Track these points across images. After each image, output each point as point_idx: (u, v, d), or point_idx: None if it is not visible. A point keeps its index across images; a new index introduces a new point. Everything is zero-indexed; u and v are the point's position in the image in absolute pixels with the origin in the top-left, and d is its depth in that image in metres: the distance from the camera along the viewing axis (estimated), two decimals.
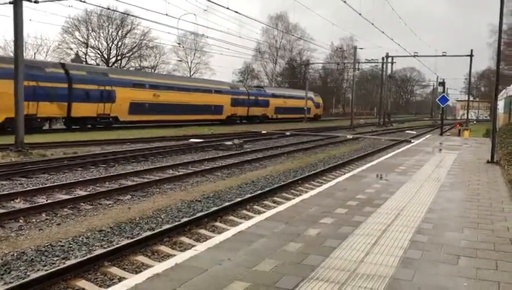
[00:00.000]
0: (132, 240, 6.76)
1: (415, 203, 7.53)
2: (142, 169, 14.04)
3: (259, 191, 10.83)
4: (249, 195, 10.41)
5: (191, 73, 73.88)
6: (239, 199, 9.89)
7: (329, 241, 5.30)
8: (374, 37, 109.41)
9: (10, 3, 17.44)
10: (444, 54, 46.05)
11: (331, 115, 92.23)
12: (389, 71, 56.40)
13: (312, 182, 12.70)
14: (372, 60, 55.07)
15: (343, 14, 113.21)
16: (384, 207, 7.20)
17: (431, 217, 6.57)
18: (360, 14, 26.49)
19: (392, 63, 54.99)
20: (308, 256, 4.74)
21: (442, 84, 33.61)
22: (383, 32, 33.71)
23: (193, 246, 6.21)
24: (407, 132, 40.20)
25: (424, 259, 4.76)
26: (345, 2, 23.12)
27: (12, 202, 9.48)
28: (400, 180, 9.92)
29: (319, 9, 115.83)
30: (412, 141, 26.28)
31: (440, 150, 18.54)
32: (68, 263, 5.90)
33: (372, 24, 29.94)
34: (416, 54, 47.64)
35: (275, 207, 8.30)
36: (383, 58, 53.58)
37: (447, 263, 4.65)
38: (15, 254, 6.28)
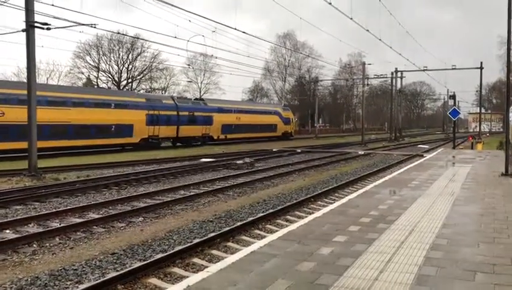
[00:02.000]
0: (144, 263, 6.74)
1: (429, 219, 7.43)
2: (154, 190, 14.09)
3: (271, 210, 10.78)
4: (261, 214, 10.37)
5: (201, 93, 74.46)
6: (251, 219, 9.84)
7: (342, 259, 5.24)
8: (382, 52, 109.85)
9: (23, 30, 17.82)
10: (454, 67, 45.90)
11: (342, 131, 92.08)
12: (398, 86, 56.29)
13: (324, 200, 12.62)
14: (381, 75, 55.11)
15: (351, 30, 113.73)
16: (398, 223, 7.12)
17: (446, 233, 6.48)
18: (367, 30, 26.63)
19: (401, 77, 54.93)
20: (321, 275, 4.69)
21: (453, 97, 33.51)
22: (390, 47, 33.84)
23: (206, 267, 6.19)
24: (419, 146, 39.92)
25: (440, 276, 4.68)
26: (351, 18, 23.28)
27: (26, 226, 9.55)
28: (413, 196, 9.82)
29: (325, 26, 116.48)
30: (425, 155, 26.07)
31: (453, 163, 18.36)
32: (81, 287, 5.89)
33: (380, 40, 30.05)
34: (425, 68, 47.58)
35: (287, 226, 8.25)
36: (392, 73, 53.56)
37: (464, 280, 4.57)
38: (29, 279, 6.30)
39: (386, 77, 55.87)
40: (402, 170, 16.22)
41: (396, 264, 5.07)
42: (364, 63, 52.52)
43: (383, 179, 13.27)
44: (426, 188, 10.93)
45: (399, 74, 53.84)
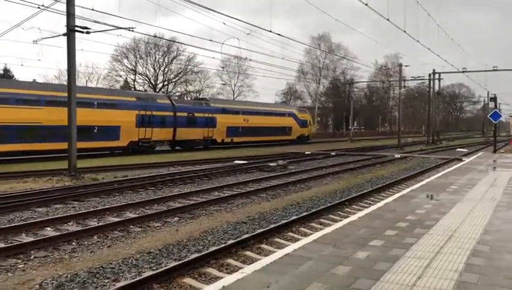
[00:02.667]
0: (180, 262, 6.81)
1: (469, 224, 7.21)
2: (188, 191, 14.25)
3: (305, 213, 10.71)
4: (295, 217, 10.31)
5: (235, 96, 74.96)
6: (284, 221, 9.80)
7: (379, 264, 5.14)
8: (419, 53, 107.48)
9: (64, 35, 18.40)
10: (495, 68, 44.52)
11: (377, 134, 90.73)
12: (436, 88, 55.00)
13: (359, 203, 12.44)
14: (419, 77, 53.98)
15: (387, 31, 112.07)
16: (436, 228, 6.93)
17: (487, 239, 6.26)
18: (404, 31, 26.12)
19: (439, 79, 53.67)
20: (357, 280, 4.61)
21: (494, 99, 32.45)
22: (428, 48, 33.08)
23: (240, 268, 6.20)
24: (458, 149, 38.83)
25: (482, 283, 4.53)
26: (388, 20, 22.89)
27: (65, 224, 9.83)
28: (452, 200, 9.55)
29: (361, 27, 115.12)
30: (463, 159, 25.34)
31: (494, 168, 17.76)
32: (118, 285, 6.01)
33: (417, 41, 29.42)
34: (464, 69, 46.34)
35: (321, 229, 8.17)
36: (429, 75, 52.44)
37: (507, 288, 4.40)
38: (68, 276, 6.47)
39: (424, 79, 54.76)
40: (440, 174, 15.82)
41: (435, 270, 4.93)
42: (401, 65, 51.54)
43: (420, 183, 12.97)
44: (465, 193, 10.62)
45: (437, 76, 52.63)
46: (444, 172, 16.34)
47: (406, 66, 52.01)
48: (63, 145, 20.87)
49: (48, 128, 25.01)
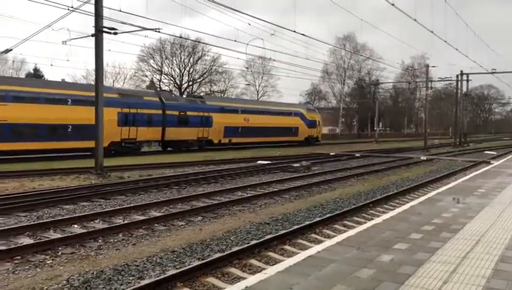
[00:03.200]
0: (203, 262, 6.86)
1: (497, 229, 7.04)
2: (212, 191, 14.34)
3: (329, 215, 10.65)
4: (318, 218, 10.26)
5: (259, 96, 75.00)
6: (308, 222, 9.77)
7: (404, 268, 5.07)
8: (447, 54, 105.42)
9: (92, 35, 18.77)
10: None
11: (403, 135, 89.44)
12: (464, 89, 53.89)
13: (384, 206, 12.29)
14: (446, 78, 52.96)
15: (414, 31, 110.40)
16: (463, 233, 6.80)
17: None
18: (431, 31, 25.69)
19: (467, 80, 52.54)
20: (381, 283, 4.56)
21: None
22: (456, 49, 32.39)
23: (263, 269, 6.20)
24: (486, 152, 37.95)
25: None
26: (415, 20, 22.54)
27: (92, 222, 10.02)
28: (480, 204, 9.34)
29: (387, 27, 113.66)
30: (492, 162, 24.74)
31: None
32: (143, 282, 6.09)
33: (445, 42, 28.88)
34: (493, 70, 45.26)
35: (345, 231, 8.12)
36: (457, 76, 51.35)
37: None
38: (94, 272, 6.59)
39: (451, 80, 53.70)
40: (467, 177, 15.49)
41: (461, 275, 4.84)
42: (427, 66, 50.68)
43: (447, 186, 12.73)
44: (494, 197, 10.37)
45: (465, 77, 51.56)
46: (471, 175, 16.00)
47: (432, 66, 51.10)
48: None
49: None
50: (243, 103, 45.13)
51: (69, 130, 26.08)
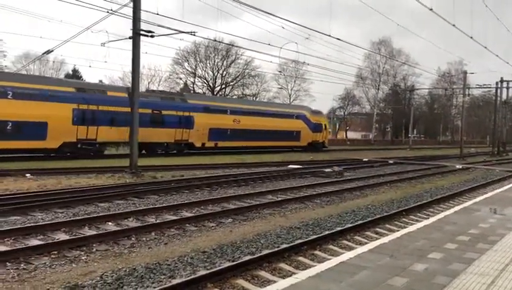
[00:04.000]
0: (233, 263, 6.89)
1: None
2: (242, 193, 14.38)
3: (360, 221, 10.51)
4: (350, 225, 10.14)
5: (291, 100, 74.86)
6: (339, 228, 9.67)
7: (438, 278, 4.95)
8: (486, 60, 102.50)
9: (130, 38, 19.18)
10: None
11: (438, 143, 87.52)
12: (504, 97, 52.26)
13: (418, 214, 12.04)
14: (484, 85, 51.48)
15: (452, 37, 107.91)
16: (501, 244, 6.59)
17: None
18: (471, 37, 25.06)
19: (507, 88, 50.92)
20: None
21: None
22: (497, 55, 31.51)
23: (293, 273, 6.18)
24: None
25: None
26: (454, 25, 22.05)
27: (126, 220, 10.21)
28: None
29: (424, 32, 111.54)
30: None
31: None
32: (174, 282, 6.16)
33: (485, 47, 28.12)
34: None
35: (377, 239, 8.00)
36: (496, 83, 49.86)
37: None
38: (127, 270, 6.71)
39: (490, 87, 52.19)
40: (505, 187, 15.02)
41: (499, 288, 4.69)
42: (465, 72, 49.45)
43: (484, 196, 12.39)
44: None
45: (504, 84, 50.00)
46: (509, 185, 15.51)
47: (470, 73, 49.85)
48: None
49: None
50: (233, 103, 41.28)
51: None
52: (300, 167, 24.32)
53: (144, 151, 28.46)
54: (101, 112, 26.16)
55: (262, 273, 6.82)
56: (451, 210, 9.82)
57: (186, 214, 11.10)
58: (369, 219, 10.85)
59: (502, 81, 49.40)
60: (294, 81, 74.34)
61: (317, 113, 46.13)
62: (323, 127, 44.76)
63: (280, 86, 73.25)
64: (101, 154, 27.55)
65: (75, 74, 61.81)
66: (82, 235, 8.57)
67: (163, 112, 30.11)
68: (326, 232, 9.26)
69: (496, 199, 11.74)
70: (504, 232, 7.41)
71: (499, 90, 50.35)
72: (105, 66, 48.48)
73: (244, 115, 36.03)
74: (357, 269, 5.18)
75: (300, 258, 7.67)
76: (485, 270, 5.29)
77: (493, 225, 8.07)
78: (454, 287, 4.69)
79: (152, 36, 19.48)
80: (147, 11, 19.47)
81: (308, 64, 42.83)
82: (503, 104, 53.08)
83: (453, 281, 4.86)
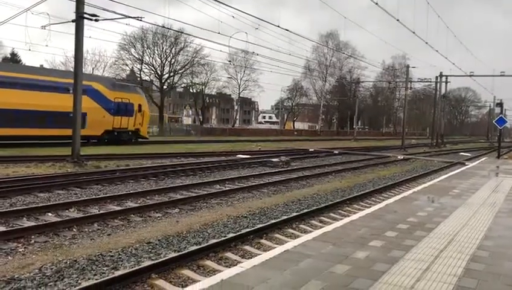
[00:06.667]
0: (179, 254, 6.83)
1: (470, 229, 7.18)
2: (190, 183, 14.27)
3: (306, 210, 10.71)
4: (295, 213, 10.31)
5: (240, 90, 74.90)
6: (285, 217, 9.81)
7: (378, 265, 5.13)
8: (427, 55, 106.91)
9: (73, 21, 18.39)
10: (502, 73, 44.27)
11: (381, 134, 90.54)
12: (443, 91, 54.73)
13: (361, 203, 12.43)
14: (425, 79, 53.77)
15: (396, 31, 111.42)
16: (437, 232, 6.92)
17: (487, 245, 6.24)
18: (413, 32, 25.98)
19: (446, 82, 53.34)
20: (356, 279, 4.61)
21: (500, 105, 32.27)
22: (437, 50, 32.87)
23: (239, 262, 6.21)
24: (462, 153, 38.71)
25: (480, 289, 4.52)
26: (398, 20, 22.77)
27: (67, 211, 9.86)
28: (454, 204, 9.52)
29: (370, 26, 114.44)
30: (467, 163, 25.26)
31: (497, 173, 17.70)
32: (117, 273, 6.03)
33: (426, 43, 29.25)
34: (472, 73, 46.07)
35: (322, 227, 8.17)
36: (436, 78, 52.14)
37: None
38: (68, 262, 6.49)
39: (430, 81, 54.54)
40: (443, 177, 15.77)
41: (434, 273, 4.92)
42: (408, 66, 51.33)
43: (423, 186, 12.94)
44: (467, 198, 10.58)
45: (444, 79, 52.38)
46: (446, 175, 16.30)
47: (413, 67, 52.18)
48: None
49: None
50: None
51: None
52: (249, 157, 24.43)
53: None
54: None
55: (208, 262, 6.81)
56: (392, 199, 10.19)
57: (131, 204, 10.87)
58: (314, 207, 11.08)
59: (441, 75, 51.68)
60: (244, 71, 74.43)
61: (122, 87, 32.55)
62: (136, 108, 31.56)
63: (230, 76, 73.07)
64: (42, 142, 25.90)
65: (14, 58, 58.67)
66: (19, 227, 8.20)
67: None
68: (272, 221, 9.38)
69: (433, 188, 12.30)
70: (440, 220, 7.78)
71: (438, 84, 52.69)
72: (46, 50, 46.39)
73: None
74: (301, 257, 5.27)
75: (247, 247, 7.72)
76: (422, 257, 5.53)
77: (430, 213, 8.46)
78: (393, 273, 4.87)
79: (96, 20, 18.80)
80: None
81: (257, 55, 42.90)
82: (442, 98, 55.56)
83: (392, 267, 5.06)
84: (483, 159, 28.98)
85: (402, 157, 29.90)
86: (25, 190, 11.65)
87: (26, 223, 8.68)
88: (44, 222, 8.64)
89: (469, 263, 5.37)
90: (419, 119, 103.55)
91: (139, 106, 32.04)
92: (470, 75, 46.28)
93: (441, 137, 55.62)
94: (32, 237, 7.74)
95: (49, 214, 9.50)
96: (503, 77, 44.28)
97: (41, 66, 41.89)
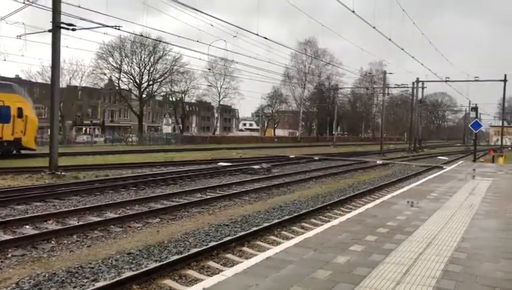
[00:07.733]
0: (160, 264, 6.78)
1: (448, 232, 7.31)
2: (171, 192, 14.17)
3: (287, 217, 10.75)
4: (277, 220, 10.34)
5: (220, 98, 74.88)
6: (266, 224, 9.83)
7: (359, 269, 5.19)
8: (404, 61, 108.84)
9: (49, 31, 18.18)
10: (477, 78, 45.26)
11: (360, 140, 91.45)
12: (419, 96, 55.73)
13: (341, 208, 12.53)
14: (402, 84, 54.58)
15: (373, 38, 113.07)
16: (416, 235, 7.02)
17: (464, 247, 6.37)
18: (389, 39, 26.41)
19: (422, 88, 54.40)
20: (337, 284, 4.65)
21: (475, 109, 33.05)
22: (413, 57, 33.46)
23: (221, 270, 6.19)
24: (439, 157, 39.38)
25: None
26: (374, 27, 23.13)
27: (45, 223, 9.69)
28: (432, 208, 9.67)
29: (347, 34, 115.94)
30: (444, 167, 25.70)
31: (473, 176, 18.05)
32: (97, 285, 5.95)
33: (402, 49, 29.78)
34: (447, 78, 47.01)
35: (303, 233, 8.21)
36: (413, 83, 53.06)
37: None
38: (46, 275, 6.38)
39: (407, 87, 55.43)
40: (421, 181, 16.01)
41: (413, 276, 5.00)
42: (385, 72, 52.13)
43: (401, 190, 13.11)
44: (445, 201, 10.77)
45: (420, 84, 53.32)
46: (424, 179, 16.55)
47: (390, 73, 52.75)
48: None
49: None
50: None
51: None
52: (230, 164, 24.41)
53: None
54: None
55: (190, 272, 6.78)
56: (372, 204, 10.30)
57: (111, 215, 10.75)
58: (295, 214, 11.13)
59: (417, 81, 52.64)
60: (224, 79, 74.50)
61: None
62: (15, 112, 25.33)
63: (209, 84, 73.03)
64: (18, 153, 24.68)
65: None
66: None
67: None
68: (254, 229, 9.38)
69: (412, 192, 12.48)
70: (419, 224, 7.90)
71: (415, 90, 53.60)
72: (22, 60, 45.51)
73: None
74: (283, 264, 5.29)
75: (229, 255, 7.71)
76: (401, 260, 5.61)
77: (409, 217, 8.58)
78: (373, 276, 4.93)
79: (73, 30, 18.61)
80: (68, 4, 18.57)
81: (237, 63, 43.00)
82: (418, 103, 56.52)
83: (372, 271, 5.12)
84: (460, 162, 29.52)
85: (381, 163, 30.27)
86: (1, 203, 11.41)
87: (3, 236, 8.49)
88: (22, 235, 8.48)
89: (447, 265, 5.47)
90: (397, 124, 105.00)
91: (19, 109, 25.45)
92: (446, 81, 47.20)
93: (419, 141, 56.54)
94: (9, 250, 7.58)
95: (27, 226, 9.33)
96: (478, 82, 45.23)
97: (17, 76, 41.12)
